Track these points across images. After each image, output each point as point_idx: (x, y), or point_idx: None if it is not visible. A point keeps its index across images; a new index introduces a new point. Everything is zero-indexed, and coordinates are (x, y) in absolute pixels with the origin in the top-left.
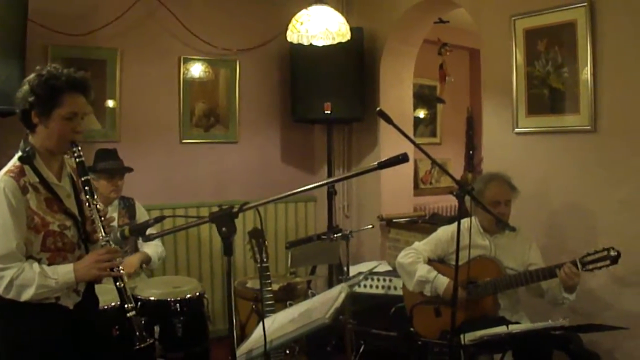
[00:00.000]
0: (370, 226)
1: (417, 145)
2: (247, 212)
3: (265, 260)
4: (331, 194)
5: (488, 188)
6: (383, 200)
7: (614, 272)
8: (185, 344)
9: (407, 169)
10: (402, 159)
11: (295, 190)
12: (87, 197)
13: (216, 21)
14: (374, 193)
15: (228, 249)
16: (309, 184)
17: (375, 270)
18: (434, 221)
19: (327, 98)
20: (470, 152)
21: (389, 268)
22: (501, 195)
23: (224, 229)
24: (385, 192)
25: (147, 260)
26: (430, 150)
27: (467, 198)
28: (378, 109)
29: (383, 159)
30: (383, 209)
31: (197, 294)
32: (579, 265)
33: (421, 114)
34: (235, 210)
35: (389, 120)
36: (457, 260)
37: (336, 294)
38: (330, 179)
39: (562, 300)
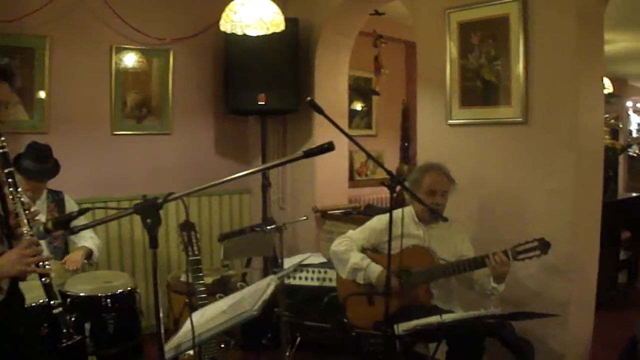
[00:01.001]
0: (304, 218)
1: (348, 136)
2: (183, 205)
3: (196, 252)
4: (265, 186)
5: (425, 177)
6: (318, 192)
7: (544, 261)
8: (117, 340)
9: (342, 160)
10: (327, 147)
11: (221, 180)
12: (11, 189)
13: (149, 9)
14: (309, 185)
15: (153, 241)
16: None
17: (310, 262)
18: (368, 212)
19: (262, 89)
20: (406, 144)
21: (324, 260)
22: (437, 185)
23: (148, 220)
24: (320, 184)
25: (89, 254)
26: (366, 143)
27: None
28: (308, 98)
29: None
30: (318, 201)
31: (129, 289)
32: (510, 256)
33: (358, 106)
34: (159, 201)
35: (319, 110)
36: (389, 248)
37: (265, 286)
38: (255, 169)
39: (490, 291)
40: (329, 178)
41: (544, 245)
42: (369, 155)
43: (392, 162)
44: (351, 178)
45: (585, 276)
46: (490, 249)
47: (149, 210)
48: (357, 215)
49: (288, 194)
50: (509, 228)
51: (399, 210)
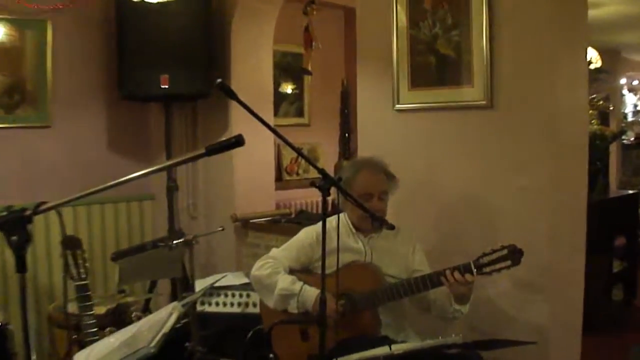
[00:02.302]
0: (221, 228)
1: (270, 128)
2: (68, 217)
3: (83, 276)
4: (172, 190)
5: (357, 178)
6: (237, 196)
7: (517, 275)
8: None
9: (266, 157)
10: (235, 142)
11: (111, 183)
12: None
13: None
14: (226, 188)
15: (20, 264)
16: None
17: (229, 283)
18: (301, 220)
19: (165, 69)
20: (346, 134)
21: (246, 280)
22: (373, 186)
23: (13, 238)
24: (240, 187)
25: None
26: (297, 134)
27: (335, 190)
28: (218, 80)
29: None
30: (238, 208)
31: None
32: (473, 269)
33: (287, 88)
34: (28, 212)
35: (232, 95)
36: (323, 267)
37: (165, 317)
38: (150, 169)
39: (452, 314)
40: (251, 179)
41: (514, 254)
42: (295, 150)
43: (331, 157)
44: (279, 178)
45: (569, 293)
46: (450, 263)
47: (14, 225)
48: (287, 224)
49: (201, 199)
50: (473, 236)
51: (333, 218)
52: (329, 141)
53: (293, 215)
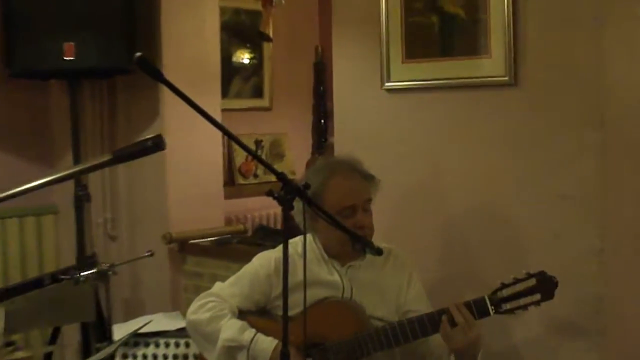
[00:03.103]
0: (148, 253)
1: (209, 118)
2: None
3: None
4: (81, 201)
5: (329, 187)
6: (172, 208)
7: (551, 314)
8: None
9: (212, 154)
10: (152, 146)
11: None
12: None
13: None
14: (157, 197)
15: None
16: None
17: (162, 327)
18: (260, 240)
19: (68, 36)
20: (322, 121)
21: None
22: (353, 196)
23: None
24: (175, 195)
25: None
26: (256, 121)
27: (299, 206)
28: (137, 55)
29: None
30: (173, 224)
31: None
32: (489, 306)
33: (242, 59)
34: None
35: (155, 74)
36: (285, 308)
37: None
38: (36, 183)
39: None
40: (191, 185)
41: (546, 284)
42: (243, 147)
43: (301, 152)
44: (230, 182)
45: (628, 341)
46: (459, 298)
47: None
48: (241, 245)
49: (122, 213)
50: (490, 261)
51: (296, 240)
52: (299, 130)
53: (249, 234)
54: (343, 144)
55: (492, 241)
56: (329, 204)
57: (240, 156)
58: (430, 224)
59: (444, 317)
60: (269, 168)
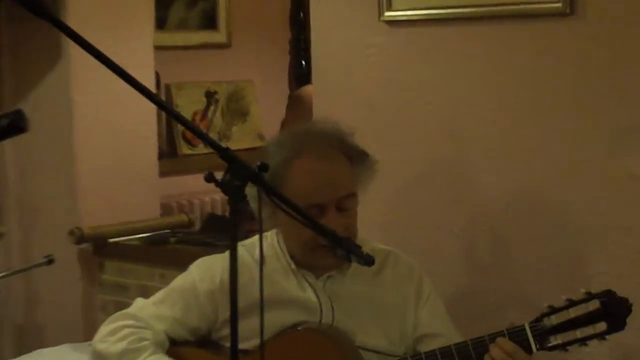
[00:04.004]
0: (46, 260)
1: (125, 76)
2: None
3: None
4: None
5: (290, 173)
6: (82, 193)
7: (623, 348)
8: None
9: (143, 115)
10: (7, 127)
11: None
12: None
13: None
14: (61, 178)
15: None
16: None
17: None
18: (211, 237)
19: None
20: (303, 62)
21: None
22: (322, 189)
23: None
24: (87, 176)
25: None
26: (209, 63)
27: (253, 191)
28: None
29: None
30: (84, 216)
31: None
32: (531, 339)
33: None
34: None
35: (38, 10)
36: (234, 339)
37: None
38: None
39: None
40: (110, 159)
41: (613, 309)
42: (173, 116)
43: (273, 107)
44: (171, 153)
45: None
46: (490, 322)
47: None
48: (181, 245)
49: (9, 203)
50: (534, 269)
51: (254, 241)
52: (270, 76)
53: (195, 227)
54: (323, 100)
55: (535, 240)
56: (290, 196)
57: (184, 115)
58: (448, 216)
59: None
60: (207, 140)
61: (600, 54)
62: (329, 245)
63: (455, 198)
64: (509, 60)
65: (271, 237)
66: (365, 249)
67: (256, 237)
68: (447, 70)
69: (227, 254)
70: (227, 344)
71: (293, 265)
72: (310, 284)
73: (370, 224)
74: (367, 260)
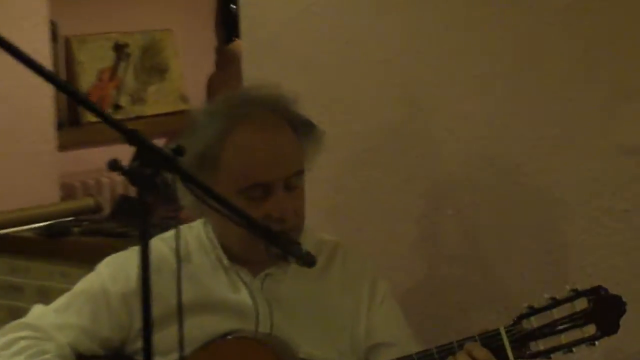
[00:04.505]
0: None
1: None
2: None
3: None
4: None
5: (227, 148)
6: None
7: (615, 347)
8: None
9: (34, 76)
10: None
11: None
12: None
13: None
14: None
15: None
16: None
17: None
18: (119, 226)
19: None
20: (232, 5)
21: None
22: (268, 165)
23: None
24: None
25: None
26: (115, 8)
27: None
28: None
29: None
30: None
31: None
32: (507, 345)
33: None
34: None
35: None
36: (147, 350)
37: None
38: None
39: None
40: None
41: (604, 308)
42: (68, 92)
43: (197, 61)
44: (71, 121)
45: None
46: (459, 326)
47: None
48: (84, 237)
49: None
50: (511, 261)
51: (168, 236)
52: (193, 24)
53: (105, 213)
54: (253, 57)
55: (510, 226)
56: (226, 176)
57: (87, 74)
58: (405, 198)
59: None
60: (106, 119)
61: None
62: (263, 241)
63: (414, 176)
64: (482, 13)
65: (198, 226)
66: (309, 242)
67: (179, 228)
68: (407, 22)
69: (132, 250)
70: (139, 357)
71: (225, 261)
72: (245, 283)
73: (313, 210)
74: (307, 261)
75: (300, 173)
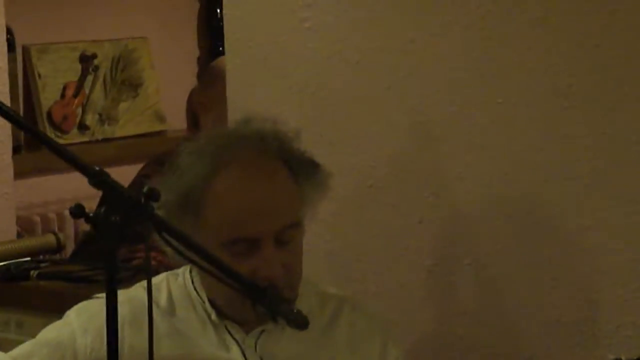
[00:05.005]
0: None
1: None
2: None
3: None
4: None
5: (213, 191)
6: None
7: None
8: None
9: None
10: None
11: None
12: None
13: None
14: None
15: None
16: None
17: None
18: (84, 269)
19: None
20: (218, 11)
21: None
22: (261, 217)
23: None
24: None
25: None
26: (85, 13)
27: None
28: None
29: None
30: None
31: None
32: None
33: None
34: None
35: None
36: None
37: None
38: None
39: None
40: None
41: None
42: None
43: (178, 74)
44: (32, 145)
45: None
46: None
47: None
48: (45, 282)
49: None
50: (539, 316)
51: (157, 281)
52: (172, 31)
53: (68, 252)
54: (239, 81)
55: (539, 278)
56: (208, 227)
57: (49, 89)
58: (417, 244)
59: None
60: (68, 159)
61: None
62: (251, 303)
63: (425, 218)
64: (496, 32)
65: (183, 274)
66: (310, 296)
67: (163, 276)
68: (415, 42)
69: (119, 296)
70: None
71: (214, 316)
72: (236, 341)
73: (308, 255)
74: (298, 322)
75: (295, 226)
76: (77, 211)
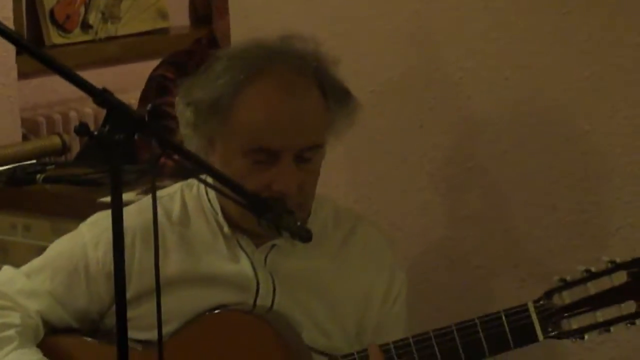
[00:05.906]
0: None
1: None
2: None
3: None
4: None
5: (242, 99)
6: None
7: None
8: None
9: None
10: None
11: None
12: None
13: None
14: None
15: None
16: None
17: None
18: (91, 171)
19: None
20: None
21: None
22: (285, 131)
23: None
24: None
25: None
26: None
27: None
28: None
29: None
30: None
31: None
32: (536, 323)
33: None
34: None
35: None
36: (121, 323)
37: None
38: None
39: None
40: None
41: None
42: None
43: None
44: (35, 43)
45: None
46: (485, 296)
47: None
48: (52, 185)
49: None
50: (543, 225)
51: (170, 192)
52: None
53: (74, 153)
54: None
55: (540, 180)
56: (233, 133)
57: None
58: (419, 149)
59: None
60: (73, 80)
61: None
62: (256, 217)
63: (427, 122)
64: None
65: (198, 185)
66: (326, 213)
67: (177, 186)
68: None
69: (132, 207)
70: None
71: (226, 228)
72: (246, 253)
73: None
74: (302, 235)
75: (317, 147)
76: (82, 129)
